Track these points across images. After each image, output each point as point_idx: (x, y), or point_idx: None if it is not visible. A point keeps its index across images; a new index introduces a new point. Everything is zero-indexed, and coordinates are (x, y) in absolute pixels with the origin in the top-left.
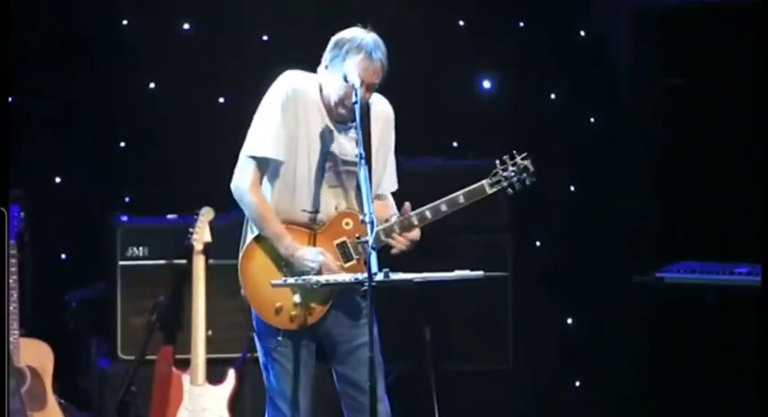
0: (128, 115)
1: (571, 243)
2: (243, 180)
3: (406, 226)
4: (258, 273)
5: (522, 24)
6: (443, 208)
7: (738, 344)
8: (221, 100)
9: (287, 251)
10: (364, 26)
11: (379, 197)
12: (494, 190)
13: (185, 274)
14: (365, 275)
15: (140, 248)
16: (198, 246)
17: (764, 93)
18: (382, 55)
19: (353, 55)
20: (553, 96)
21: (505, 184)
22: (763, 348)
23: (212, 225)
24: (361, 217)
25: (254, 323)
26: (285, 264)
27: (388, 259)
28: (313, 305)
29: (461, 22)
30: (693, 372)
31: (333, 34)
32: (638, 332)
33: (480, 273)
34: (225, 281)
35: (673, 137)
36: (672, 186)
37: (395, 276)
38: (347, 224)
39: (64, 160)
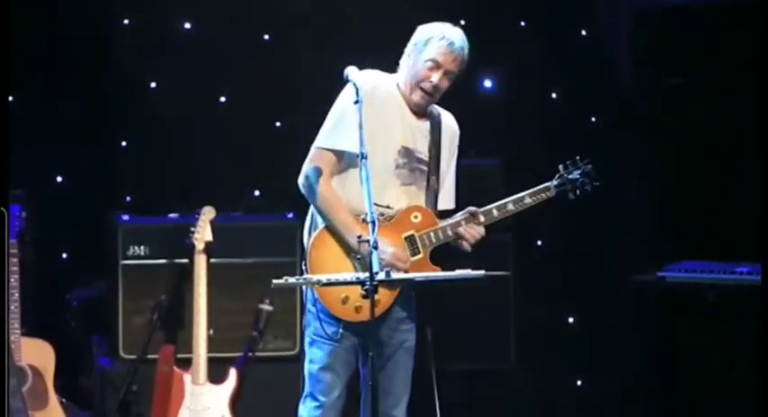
0: (128, 115)
1: (572, 243)
2: (313, 170)
3: (471, 223)
4: (327, 263)
5: (522, 24)
6: (510, 206)
7: (738, 344)
8: (221, 99)
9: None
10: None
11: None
12: (557, 191)
13: (187, 273)
14: (365, 275)
15: (141, 247)
16: (199, 245)
17: (764, 92)
18: (465, 47)
19: (437, 40)
20: (554, 96)
21: (569, 187)
22: (763, 348)
23: (213, 224)
24: (423, 211)
25: (310, 318)
26: (355, 255)
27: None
28: (378, 296)
29: (461, 22)
30: (693, 372)
31: (333, 34)
32: (638, 331)
33: (481, 272)
34: (226, 280)
35: (673, 136)
36: (672, 185)
37: (395, 275)
38: (416, 217)
39: (64, 159)
